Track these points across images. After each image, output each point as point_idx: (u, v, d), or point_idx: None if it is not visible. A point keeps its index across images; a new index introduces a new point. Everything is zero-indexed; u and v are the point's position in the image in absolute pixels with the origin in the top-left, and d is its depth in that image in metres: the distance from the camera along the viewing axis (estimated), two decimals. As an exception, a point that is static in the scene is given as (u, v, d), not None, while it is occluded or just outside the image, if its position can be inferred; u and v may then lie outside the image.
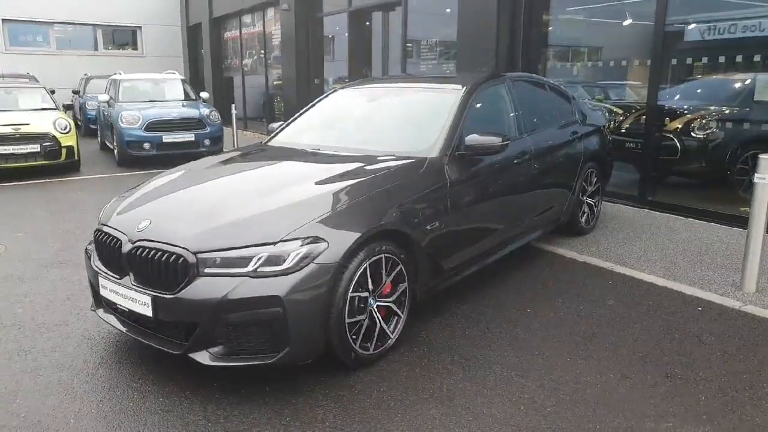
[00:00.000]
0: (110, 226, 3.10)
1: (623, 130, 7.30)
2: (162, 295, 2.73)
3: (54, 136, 8.83)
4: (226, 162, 3.98)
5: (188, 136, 9.97)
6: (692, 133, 6.66)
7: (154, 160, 9.72)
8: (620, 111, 7.64)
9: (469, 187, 3.74)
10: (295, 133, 4.47)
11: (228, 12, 16.43)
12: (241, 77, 16.72)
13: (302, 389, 2.89)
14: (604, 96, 8.10)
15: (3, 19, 16.95)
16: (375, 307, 3.10)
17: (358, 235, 2.88)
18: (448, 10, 9.10)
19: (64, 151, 8.97)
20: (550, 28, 8.06)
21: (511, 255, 4.48)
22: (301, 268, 2.69)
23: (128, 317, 3.00)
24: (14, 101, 9.70)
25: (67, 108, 10.65)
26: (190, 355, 2.74)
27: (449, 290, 3.91)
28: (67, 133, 9.03)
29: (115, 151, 10.13)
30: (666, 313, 3.71)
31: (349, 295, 2.87)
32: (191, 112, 10.27)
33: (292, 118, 4.75)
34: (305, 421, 2.64)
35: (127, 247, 2.90)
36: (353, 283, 2.88)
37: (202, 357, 2.73)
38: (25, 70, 16.14)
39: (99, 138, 12.31)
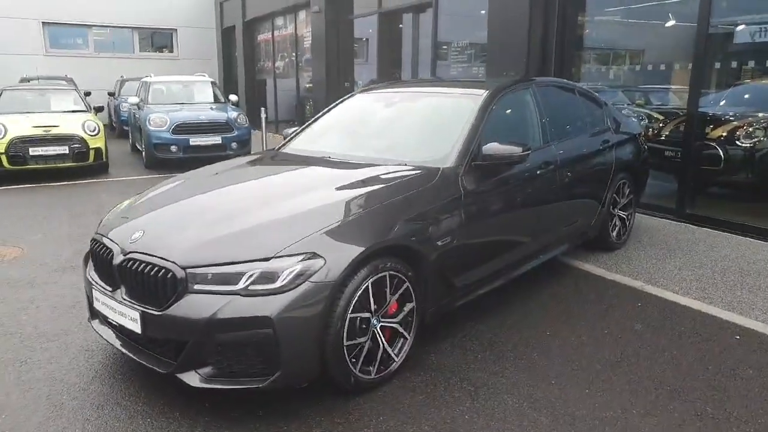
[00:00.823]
0: (105, 236, 2.99)
1: (663, 138, 6.93)
2: (151, 311, 2.59)
3: (82, 138, 8.91)
4: (231, 170, 3.84)
5: (215, 139, 9.95)
6: (737, 142, 6.24)
7: (181, 162, 9.71)
8: (661, 117, 7.26)
9: (487, 200, 3.51)
10: (308, 139, 4.31)
11: (261, 14, 16.46)
12: (273, 80, 16.74)
13: (297, 414, 2.71)
14: (645, 101, 7.71)
15: (43, 22, 17.37)
16: (378, 328, 2.90)
17: (359, 251, 2.69)
18: (483, 11, 8.84)
19: (92, 152, 9.04)
20: (586, 31, 7.73)
21: (535, 271, 4.22)
22: (295, 287, 2.51)
23: (120, 331, 2.88)
24: (46, 103, 9.85)
25: (98, 110, 10.73)
26: (179, 375, 2.59)
27: (464, 309, 3.68)
28: (96, 135, 9.10)
29: (143, 154, 10.19)
30: (699, 341, 3.40)
31: (349, 315, 2.68)
32: (219, 115, 10.25)
33: (306, 123, 4.59)
34: (295, 452, 2.46)
35: (118, 259, 2.78)
36: (353, 302, 2.69)
37: (191, 378, 2.58)
38: (65, 72, 16.53)
39: (130, 140, 12.44)
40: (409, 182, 3.20)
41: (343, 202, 2.96)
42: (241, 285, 2.50)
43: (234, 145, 10.05)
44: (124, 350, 2.82)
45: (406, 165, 3.45)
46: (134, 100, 11.04)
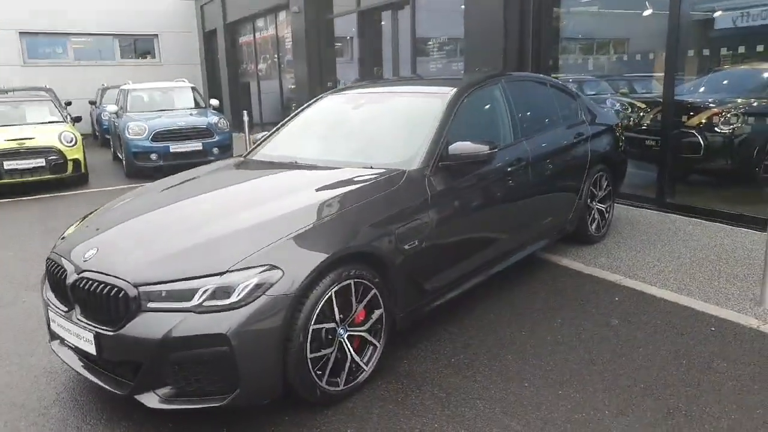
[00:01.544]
0: (59, 254, 2.91)
1: (643, 127, 6.88)
2: (105, 332, 2.52)
3: (59, 150, 8.78)
4: (193, 180, 3.74)
5: (196, 146, 9.84)
6: (717, 128, 6.20)
7: (162, 170, 9.61)
8: (643, 106, 7.20)
9: (456, 201, 3.44)
10: (276, 143, 4.24)
11: (241, 17, 16.34)
12: (257, 82, 16.63)
13: (262, 430, 2.64)
14: (629, 90, 7.65)
15: (20, 32, 17.15)
16: (345, 337, 2.83)
17: (320, 260, 2.62)
18: (463, 6, 8.77)
19: (70, 164, 8.92)
20: (563, 22, 7.67)
21: (513, 268, 4.17)
22: (252, 302, 2.43)
23: (78, 353, 2.79)
24: (21, 115, 9.71)
25: (76, 120, 10.59)
26: (137, 397, 2.52)
27: (438, 311, 3.62)
28: (73, 146, 8.98)
29: (123, 162, 10.08)
30: (674, 335, 3.36)
31: (311, 327, 2.61)
32: (199, 121, 10.15)
33: (275, 128, 4.51)
34: (259, 470, 2.40)
35: (72, 279, 2.70)
36: (315, 313, 2.62)
37: (149, 399, 2.50)
38: (45, 82, 16.29)
39: (112, 149, 12.31)
40: (373, 186, 3.13)
41: (303, 210, 2.88)
42: (195, 302, 2.43)
43: (215, 150, 9.95)
44: (83, 372, 2.74)
45: (371, 168, 3.38)
46: (113, 108, 10.92)
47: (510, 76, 4.43)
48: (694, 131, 6.33)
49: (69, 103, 15.38)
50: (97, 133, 15.67)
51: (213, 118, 10.30)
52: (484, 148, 3.36)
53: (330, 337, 2.76)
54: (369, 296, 2.90)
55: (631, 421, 2.59)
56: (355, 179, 3.22)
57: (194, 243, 2.66)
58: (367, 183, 3.16)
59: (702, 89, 6.62)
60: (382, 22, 11.38)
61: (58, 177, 8.87)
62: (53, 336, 3.02)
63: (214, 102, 11.61)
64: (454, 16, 9.04)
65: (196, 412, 2.69)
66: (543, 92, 4.67)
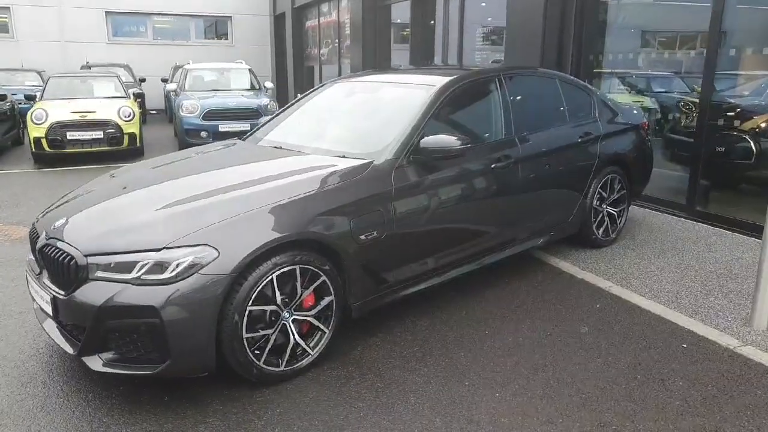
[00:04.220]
0: (38, 221, 3.16)
1: (686, 128, 6.49)
2: (59, 296, 2.73)
3: (117, 123, 9.35)
4: (178, 160, 3.91)
5: (244, 126, 10.14)
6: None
7: (211, 147, 10.03)
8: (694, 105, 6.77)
9: (425, 195, 3.43)
10: (272, 128, 4.34)
11: (308, 1, 16.62)
12: (319, 66, 16.90)
13: (200, 401, 2.79)
14: (670, 89, 7.21)
15: (106, 12, 18.26)
16: (290, 321, 2.92)
17: (259, 244, 2.71)
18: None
19: (126, 137, 9.47)
20: (609, 13, 7.31)
21: (504, 264, 4.17)
22: (184, 279, 2.56)
23: (45, 313, 3.01)
24: (89, 90, 10.40)
25: (138, 96, 11.19)
26: (83, 358, 2.72)
27: (415, 302, 3.68)
28: (130, 120, 9.53)
29: (177, 138, 10.59)
30: (641, 348, 3.21)
31: (248, 307, 2.71)
32: (249, 102, 10.48)
33: (278, 111, 4.64)
34: (182, 438, 2.54)
35: (40, 244, 2.93)
36: (254, 295, 2.71)
37: (93, 362, 2.69)
38: (126, 59, 17.35)
39: (173, 125, 12.95)
40: (332, 175, 3.18)
41: (255, 194, 2.96)
42: (134, 274, 2.58)
43: (262, 131, 10.24)
44: (46, 330, 2.96)
45: (344, 157, 3.42)
46: (172, 86, 11.47)
47: (511, 70, 4.31)
48: (746, 136, 5.91)
49: (143, 80, 16.33)
50: (167, 110, 16.50)
51: (264, 100, 10.60)
52: (454, 143, 3.33)
53: (273, 319, 2.86)
54: (317, 283, 2.97)
55: (557, 431, 2.53)
56: (319, 167, 3.27)
57: (144, 220, 2.82)
58: (328, 172, 3.20)
59: (758, 90, 6.15)
60: (435, 10, 11.25)
61: (114, 149, 9.44)
62: (31, 297, 3.28)
63: (269, 85, 11.94)
64: (501, 4, 8.83)
65: (143, 379, 2.88)
66: (549, 88, 4.51)
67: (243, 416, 2.68)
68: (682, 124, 6.67)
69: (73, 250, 2.71)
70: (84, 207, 3.13)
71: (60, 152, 9.16)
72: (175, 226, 2.72)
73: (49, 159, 9.29)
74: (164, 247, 2.61)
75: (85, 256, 2.67)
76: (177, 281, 2.56)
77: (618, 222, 4.95)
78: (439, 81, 3.80)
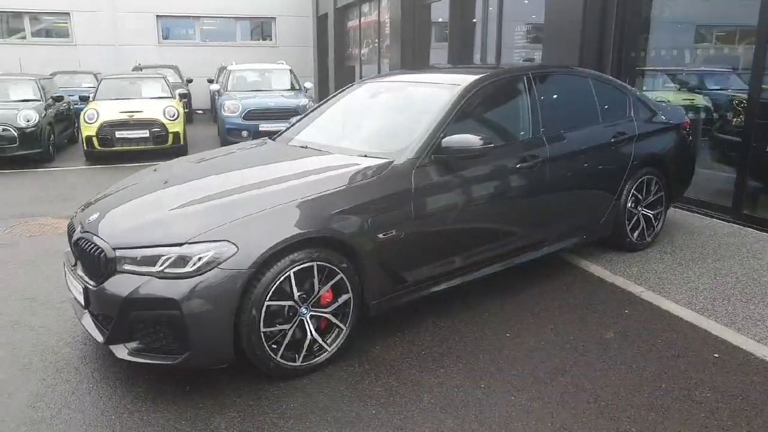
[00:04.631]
0: (75, 215, 3.30)
1: (736, 127, 6.20)
2: (89, 287, 2.84)
3: (162, 123, 9.65)
4: (208, 159, 4.01)
5: (284, 125, 10.29)
6: None
7: (251, 146, 10.23)
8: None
9: (446, 194, 3.41)
10: (301, 128, 4.41)
11: (350, 1, 16.74)
12: (360, 66, 17.00)
13: (219, 393, 2.85)
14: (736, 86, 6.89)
15: (157, 15, 18.89)
16: (308, 317, 2.96)
17: (276, 241, 2.75)
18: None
19: (171, 136, 9.77)
20: (654, 7, 7.05)
21: (534, 266, 4.11)
22: (204, 272, 2.63)
23: (78, 302, 3.14)
24: (138, 90, 10.79)
25: (183, 96, 11.51)
26: (110, 347, 2.82)
27: (438, 302, 3.68)
28: (175, 120, 9.82)
29: (219, 137, 10.85)
30: (669, 357, 3.10)
31: (266, 302, 2.76)
32: (289, 102, 10.65)
33: (308, 111, 4.69)
34: (199, 428, 2.60)
35: (76, 237, 3.07)
36: (272, 290, 2.76)
37: (119, 350, 2.79)
38: (176, 61, 17.90)
39: (217, 124, 13.27)
40: (352, 174, 3.19)
41: (274, 192, 3.01)
42: (158, 267, 2.67)
43: (302, 130, 10.38)
44: (79, 318, 3.10)
45: (366, 156, 3.43)
46: (215, 87, 11.75)
47: (541, 69, 4.23)
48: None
49: (190, 81, 16.79)
50: (213, 110, 16.91)
51: (303, 101, 10.75)
52: (477, 142, 3.29)
53: (291, 314, 2.90)
54: (335, 280, 2.99)
55: (569, 437, 2.48)
56: (339, 166, 3.30)
57: (170, 216, 2.91)
58: (348, 171, 3.23)
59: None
60: (475, 8, 11.15)
61: (159, 148, 9.75)
62: (68, 288, 3.43)
63: (308, 85, 12.09)
64: (542, 2, 8.68)
65: (167, 370, 2.96)
66: (581, 87, 4.40)
67: (258, 409, 2.73)
68: (733, 122, 6.40)
69: (103, 243, 2.82)
70: (117, 202, 3.25)
71: (109, 150, 9.53)
72: (197, 222, 2.80)
73: (99, 156, 9.69)
74: (186, 242, 2.68)
75: (114, 249, 2.77)
76: (197, 275, 2.63)
77: (655, 225, 4.80)
78: (464, 80, 3.77)
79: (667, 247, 4.81)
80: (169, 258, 2.67)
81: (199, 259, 2.65)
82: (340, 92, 4.67)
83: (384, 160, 3.31)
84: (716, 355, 3.11)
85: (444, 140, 3.36)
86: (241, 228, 2.76)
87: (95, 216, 3.10)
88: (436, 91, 3.84)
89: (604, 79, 4.67)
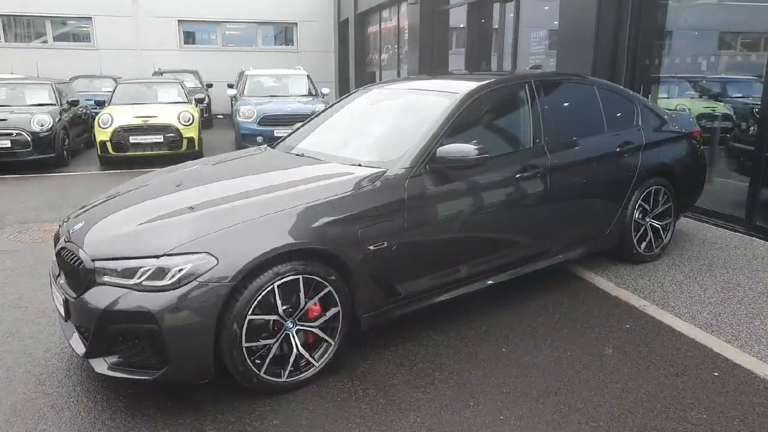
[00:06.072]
0: (62, 224, 3.30)
1: (752, 136, 6.01)
2: (69, 298, 2.82)
3: (177, 128, 9.72)
4: (200, 167, 3.99)
5: (295, 131, 10.34)
6: None
7: (265, 152, 10.24)
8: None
9: (441, 205, 3.33)
10: (301, 135, 4.37)
11: (370, 7, 16.75)
12: (380, 71, 16.98)
13: (200, 409, 2.80)
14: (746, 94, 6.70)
15: (179, 20, 19.12)
16: (294, 331, 2.90)
17: (259, 253, 2.70)
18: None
19: (185, 141, 9.83)
20: (669, 15, 6.89)
21: (535, 277, 4.00)
22: (182, 286, 2.59)
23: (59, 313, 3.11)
24: (154, 95, 10.88)
25: (199, 101, 11.59)
26: (90, 360, 2.79)
27: (434, 315, 3.60)
28: (190, 125, 9.88)
29: (235, 143, 10.90)
30: (666, 375, 2.98)
31: (248, 317, 2.71)
32: (304, 108, 10.62)
33: (309, 119, 4.66)
34: (178, 444, 2.56)
35: (59, 246, 3.06)
36: (254, 304, 2.71)
37: (98, 364, 2.75)
38: (197, 66, 18.10)
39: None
40: (343, 184, 3.13)
41: (260, 202, 2.95)
42: (136, 280, 2.64)
43: (316, 136, 10.38)
44: (62, 329, 3.08)
45: (359, 166, 3.37)
46: (232, 92, 11.81)
47: (544, 77, 4.13)
48: None
49: (210, 85, 16.95)
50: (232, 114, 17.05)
51: (319, 106, 10.71)
52: (472, 152, 3.21)
53: (276, 329, 2.85)
54: (323, 293, 2.93)
55: (554, 462, 2.38)
56: (331, 175, 3.24)
57: (150, 227, 2.87)
58: (340, 180, 3.17)
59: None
60: (492, 14, 11.04)
61: (173, 153, 9.80)
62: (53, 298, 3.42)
63: (326, 90, 12.08)
64: (555, 9, 8.55)
65: (150, 385, 2.91)
66: (586, 96, 4.28)
67: (239, 426, 2.68)
68: (750, 131, 6.19)
69: (82, 253, 2.80)
70: (101, 213, 3.21)
71: (123, 155, 9.63)
72: (177, 233, 2.76)
73: (113, 161, 9.80)
74: (164, 254, 2.65)
75: (93, 260, 2.75)
76: (175, 288, 2.59)
77: (663, 236, 4.65)
78: (464, 88, 3.70)
79: (675, 259, 4.65)
80: (148, 270, 2.64)
81: (179, 271, 2.61)
82: (342, 99, 4.63)
83: (377, 170, 3.25)
84: (716, 374, 2.98)
85: (439, 150, 3.28)
86: (222, 240, 2.71)
87: (78, 226, 3.08)
88: (435, 98, 3.77)
89: (610, 87, 4.55)
